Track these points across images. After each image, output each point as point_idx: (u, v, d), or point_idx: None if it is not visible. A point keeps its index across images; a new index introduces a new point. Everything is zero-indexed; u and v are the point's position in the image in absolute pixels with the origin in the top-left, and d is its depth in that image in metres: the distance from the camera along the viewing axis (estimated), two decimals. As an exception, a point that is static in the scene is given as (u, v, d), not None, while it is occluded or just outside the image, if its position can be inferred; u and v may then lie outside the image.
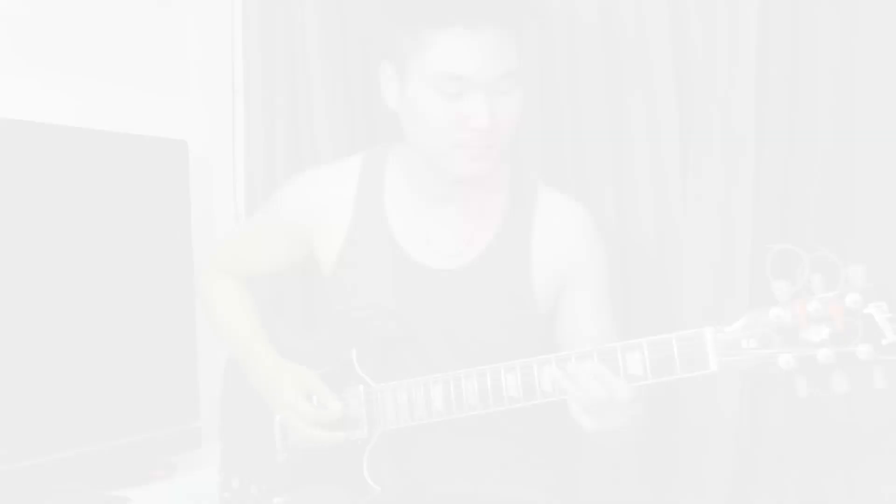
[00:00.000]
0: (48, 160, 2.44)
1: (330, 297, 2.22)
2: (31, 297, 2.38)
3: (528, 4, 2.05)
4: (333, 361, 2.13)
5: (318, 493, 2.10)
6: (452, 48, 1.89)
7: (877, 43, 2.21)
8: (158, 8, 3.02)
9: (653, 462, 2.55)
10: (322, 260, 2.22)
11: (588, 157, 2.57)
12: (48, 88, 2.68)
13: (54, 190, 2.44)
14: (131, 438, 2.62)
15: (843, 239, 2.27)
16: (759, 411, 2.43)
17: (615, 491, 2.57)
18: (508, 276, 2.09)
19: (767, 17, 2.34)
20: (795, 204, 2.37)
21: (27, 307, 2.38)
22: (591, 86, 2.55)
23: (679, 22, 2.50)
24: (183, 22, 3.11)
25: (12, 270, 2.35)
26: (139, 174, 2.67)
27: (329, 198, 2.19)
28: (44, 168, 2.43)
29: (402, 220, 2.14)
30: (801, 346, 1.57)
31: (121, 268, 2.60)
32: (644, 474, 2.56)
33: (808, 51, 2.30)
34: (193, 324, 2.77)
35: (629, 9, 2.50)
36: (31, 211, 2.39)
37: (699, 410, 2.44)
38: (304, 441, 2.13)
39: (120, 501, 2.51)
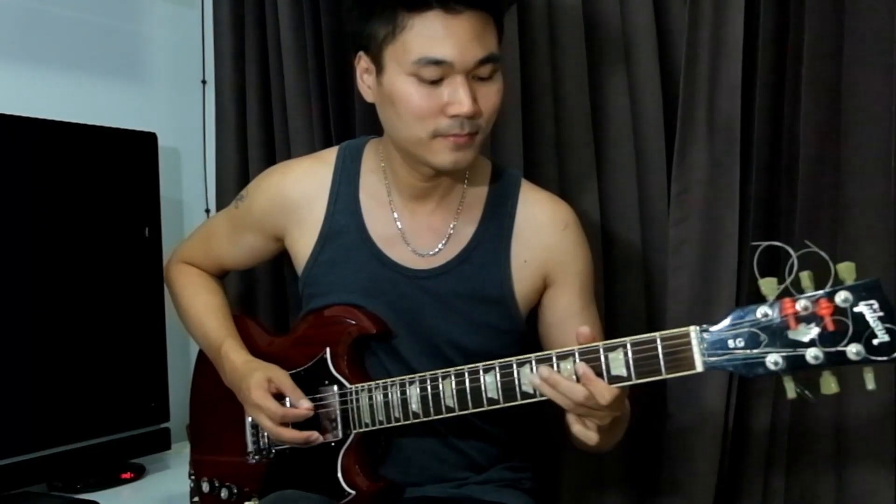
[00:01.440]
0: (14, 153, 2.43)
1: (304, 295, 2.20)
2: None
3: None
4: (307, 360, 2.12)
5: (291, 497, 2.07)
6: (430, 32, 1.86)
7: (868, 27, 2.20)
8: (125, -1, 3.02)
9: (638, 463, 2.55)
10: (296, 256, 2.20)
11: (569, 150, 2.57)
12: (15, 81, 2.69)
13: (18, 183, 2.43)
14: (98, 440, 2.61)
15: (833, 235, 2.26)
16: (747, 412, 2.43)
17: (599, 494, 2.57)
18: (487, 275, 2.08)
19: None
20: (783, 198, 2.37)
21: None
22: (572, 74, 2.55)
23: (662, 3, 2.51)
24: (151, 11, 3.11)
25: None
26: (107, 167, 2.66)
27: (303, 192, 2.17)
28: (9, 161, 2.42)
29: (378, 217, 2.12)
30: (789, 346, 1.56)
31: (87, 263, 2.59)
32: (629, 476, 2.56)
33: (797, 36, 2.29)
34: (163, 320, 2.76)
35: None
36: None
37: (685, 411, 2.44)
38: (275, 441, 2.12)
39: (87, 505, 2.50)
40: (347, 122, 2.80)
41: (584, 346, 1.75)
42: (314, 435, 2.04)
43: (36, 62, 2.75)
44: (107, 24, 2.96)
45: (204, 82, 3.20)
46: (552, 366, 1.77)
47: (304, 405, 2.03)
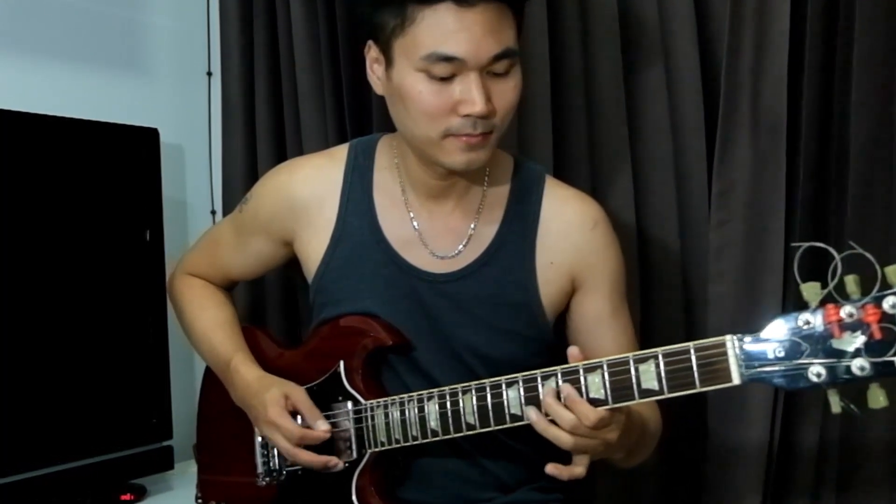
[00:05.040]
0: (14, 148, 2.45)
1: (314, 303, 2.22)
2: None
3: None
4: (319, 375, 2.13)
5: (302, 521, 2.10)
6: (441, 26, 1.85)
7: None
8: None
9: (675, 483, 2.56)
10: (305, 261, 2.21)
11: (601, 146, 2.57)
12: (6, 73, 2.70)
13: (8, 183, 2.44)
14: (95, 459, 2.61)
15: (886, 236, 2.26)
16: (793, 429, 2.42)
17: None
18: (511, 280, 2.08)
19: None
20: (833, 199, 2.36)
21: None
22: (606, 66, 2.55)
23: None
24: (154, 2, 3.12)
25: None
26: (106, 165, 2.67)
27: (312, 193, 2.18)
28: (9, 157, 2.43)
29: (393, 218, 2.14)
30: (832, 356, 1.56)
31: (84, 269, 2.59)
32: (666, 496, 2.57)
33: (847, 25, 2.28)
34: (165, 330, 2.76)
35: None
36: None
37: (727, 429, 2.43)
38: (287, 462, 2.14)
39: (86, 528, 2.51)
40: (363, 117, 2.80)
41: (613, 357, 1.76)
42: (333, 460, 2.05)
43: (29, 52, 2.76)
44: (105, 12, 2.97)
45: (209, 74, 3.21)
46: (578, 379, 1.77)
47: (322, 427, 2.03)
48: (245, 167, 3.05)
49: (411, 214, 2.13)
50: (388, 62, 1.96)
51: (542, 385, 1.81)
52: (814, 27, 2.31)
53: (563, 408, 1.78)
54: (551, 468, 1.84)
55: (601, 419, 1.76)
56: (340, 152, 2.22)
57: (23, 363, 2.44)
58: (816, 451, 2.39)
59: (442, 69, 1.86)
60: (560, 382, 1.78)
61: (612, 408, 1.76)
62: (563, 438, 1.79)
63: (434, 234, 2.12)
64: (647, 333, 2.49)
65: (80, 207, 2.59)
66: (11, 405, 2.42)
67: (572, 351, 1.82)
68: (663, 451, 2.38)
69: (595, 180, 2.57)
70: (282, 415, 2.05)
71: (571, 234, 2.10)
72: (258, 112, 3.03)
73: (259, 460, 2.20)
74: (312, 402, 2.07)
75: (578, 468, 1.85)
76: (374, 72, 2.03)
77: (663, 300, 2.56)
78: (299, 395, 2.08)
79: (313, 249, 2.17)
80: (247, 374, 2.17)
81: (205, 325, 2.34)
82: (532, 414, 1.82)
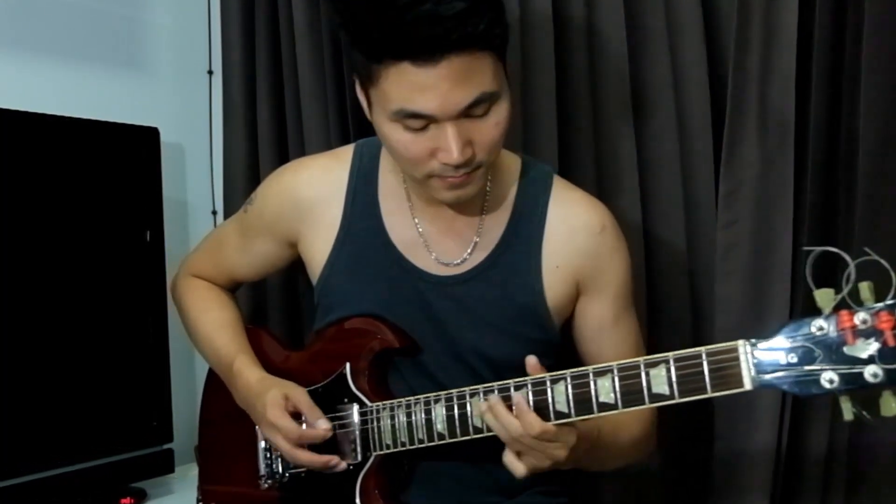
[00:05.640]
0: (12, 147, 2.45)
1: (319, 305, 2.22)
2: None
3: (495, 17, 1.83)
4: (325, 377, 2.14)
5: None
6: (406, 84, 1.79)
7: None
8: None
9: (682, 487, 2.56)
10: (310, 263, 2.22)
11: (607, 147, 2.58)
12: (14, 74, 2.71)
13: (6, 182, 2.44)
14: (95, 463, 2.62)
15: (891, 237, 2.24)
16: (801, 435, 2.43)
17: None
18: (517, 282, 2.09)
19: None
20: (841, 199, 2.36)
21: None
22: (610, 63, 2.55)
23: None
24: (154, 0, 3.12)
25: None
26: (105, 165, 2.67)
27: (317, 193, 2.18)
28: (6, 156, 2.44)
29: (398, 220, 2.14)
30: (845, 363, 1.55)
31: (83, 270, 2.60)
32: (673, 500, 2.58)
33: (857, 21, 2.27)
34: (166, 332, 2.77)
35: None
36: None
37: (734, 434, 2.44)
38: (290, 465, 2.15)
39: (85, 532, 2.51)
40: (366, 116, 2.78)
41: (624, 361, 1.75)
42: (334, 459, 2.06)
43: (28, 51, 2.77)
44: (104, 10, 2.97)
45: (210, 73, 3.22)
46: (588, 383, 1.77)
47: (323, 425, 2.04)
48: (246, 167, 3.05)
49: (416, 219, 2.13)
50: (368, 103, 1.95)
51: (552, 388, 1.81)
52: (822, 27, 2.30)
53: (509, 415, 1.81)
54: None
55: (545, 431, 1.78)
56: (346, 153, 2.22)
57: (22, 365, 2.45)
58: (825, 456, 2.39)
59: (414, 123, 1.83)
60: (569, 386, 1.79)
61: (562, 425, 1.79)
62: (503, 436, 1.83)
63: (438, 239, 2.12)
64: (653, 335, 2.50)
65: (79, 208, 2.60)
66: (10, 408, 2.42)
67: (530, 360, 1.83)
68: (670, 454, 2.39)
69: (601, 181, 2.57)
70: (281, 415, 2.05)
71: (577, 237, 2.10)
72: (260, 111, 3.03)
73: (262, 463, 2.22)
74: (313, 402, 2.07)
75: (521, 465, 1.85)
76: (362, 100, 2.00)
77: (670, 301, 2.56)
78: (300, 395, 2.08)
79: (318, 250, 2.18)
80: (249, 376, 2.18)
81: (208, 327, 2.35)
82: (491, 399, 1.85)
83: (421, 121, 1.82)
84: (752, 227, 2.39)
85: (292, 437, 2.04)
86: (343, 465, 2.06)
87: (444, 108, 1.80)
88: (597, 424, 1.93)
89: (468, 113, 1.83)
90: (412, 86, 1.78)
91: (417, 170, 1.91)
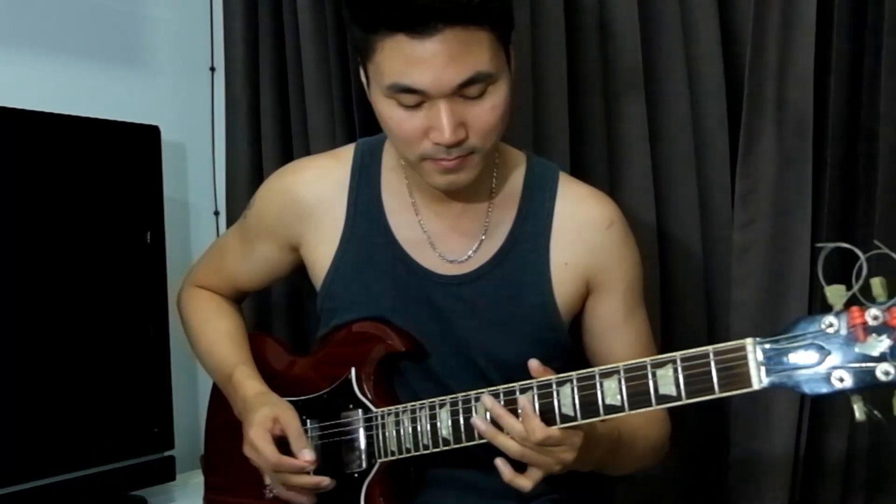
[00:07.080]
0: (10, 146, 2.45)
1: (323, 309, 2.23)
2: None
3: None
4: (330, 383, 2.15)
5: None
6: (400, 57, 1.82)
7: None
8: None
9: (698, 494, 2.57)
10: (313, 266, 2.23)
11: (620, 144, 2.58)
12: (13, 71, 2.72)
13: (15, 179, 2.45)
14: (94, 470, 2.61)
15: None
16: (817, 438, 2.43)
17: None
18: (525, 280, 2.09)
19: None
20: (861, 199, 2.37)
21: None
22: (624, 60, 2.56)
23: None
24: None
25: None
26: (105, 164, 2.67)
27: (319, 194, 2.19)
28: (5, 154, 2.44)
29: (402, 219, 2.15)
30: (856, 361, 1.55)
31: (82, 272, 2.60)
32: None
33: (877, 18, 2.28)
34: (167, 336, 2.77)
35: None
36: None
37: (751, 437, 2.44)
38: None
39: (84, 540, 2.51)
40: (372, 113, 2.68)
41: (631, 362, 1.75)
42: (325, 481, 2.02)
43: (26, 47, 2.78)
44: (104, 6, 2.98)
45: (212, 69, 3.23)
46: (594, 385, 1.77)
47: (307, 457, 1.99)
48: (249, 166, 3.05)
49: (419, 217, 2.14)
50: (367, 81, 1.97)
51: (558, 391, 1.81)
52: (840, 26, 2.31)
53: (513, 418, 1.82)
54: (500, 462, 1.87)
55: (549, 437, 1.78)
56: (346, 153, 2.23)
57: (20, 370, 2.44)
58: (844, 461, 2.40)
59: (407, 99, 1.85)
60: (574, 389, 1.79)
61: (567, 428, 1.80)
62: (509, 447, 1.83)
63: (443, 238, 2.13)
64: (667, 338, 2.51)
65: (78, 208, 2.59)
66: (9, 414, 2.42)
67: (533, 364, 1.84)
68: (686, 460, 2.39)
69: (614, 179, 2.58)
70: (263, 437, 2.01)
71: (585, 233, 2.10)
72: (263, 108, 3.03)
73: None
74: (302, 430, 2.04)
75: (525, 481, 1.87)
76: (363, 82, 2.02)
77: (685, 304, 2.56)
78: (290, 419, 2.05)
79: (321, 253, 2.19)
80: (246, 390, 2.17)
81: (209, 337, 2.36)
82: (479, 423, 1.86)
83: (415, 97, 1.84)
84: (770, 228, 2.40)
85: (269, 463, 2.01)
86: (331, 486, 2.04)
87: (438, 84, 1.82)
88: (616, 426, 1.94)
89: (462, 93, 1.84)
90: (406, 59, 1.80)
91: (411, 150, 1.92)
